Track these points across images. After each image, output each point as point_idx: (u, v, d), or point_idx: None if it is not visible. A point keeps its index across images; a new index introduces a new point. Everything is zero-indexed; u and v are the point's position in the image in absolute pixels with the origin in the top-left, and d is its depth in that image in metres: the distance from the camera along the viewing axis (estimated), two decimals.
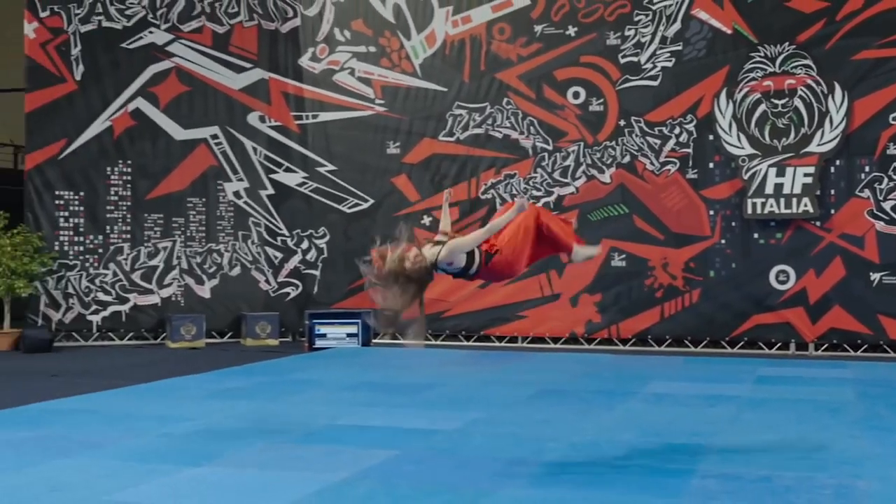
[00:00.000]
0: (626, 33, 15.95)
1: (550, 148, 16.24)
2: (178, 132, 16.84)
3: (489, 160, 16.49)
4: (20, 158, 21.95)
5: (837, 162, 14.94)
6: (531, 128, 16.32)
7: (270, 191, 17.14)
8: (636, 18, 15.90)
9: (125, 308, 16.52)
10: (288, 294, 17.12)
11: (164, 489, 6.20)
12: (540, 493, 6.12)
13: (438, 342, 16.47)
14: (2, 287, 15.57)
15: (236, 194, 17.06)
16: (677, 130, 15.66)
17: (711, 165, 15.54)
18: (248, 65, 17.16)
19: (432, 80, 16.78)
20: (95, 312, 16.40)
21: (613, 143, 15.94)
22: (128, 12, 16.67)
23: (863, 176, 14.84)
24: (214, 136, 16.98)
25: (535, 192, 16.21)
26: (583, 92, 16.13)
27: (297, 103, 17.21)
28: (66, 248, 16.33)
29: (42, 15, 16.33)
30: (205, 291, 16.88)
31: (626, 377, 11.99)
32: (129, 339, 16.63)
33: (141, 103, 16.67)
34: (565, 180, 16.15)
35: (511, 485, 6.35)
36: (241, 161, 17.07)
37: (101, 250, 16.47)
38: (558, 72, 16.24)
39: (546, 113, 16.28)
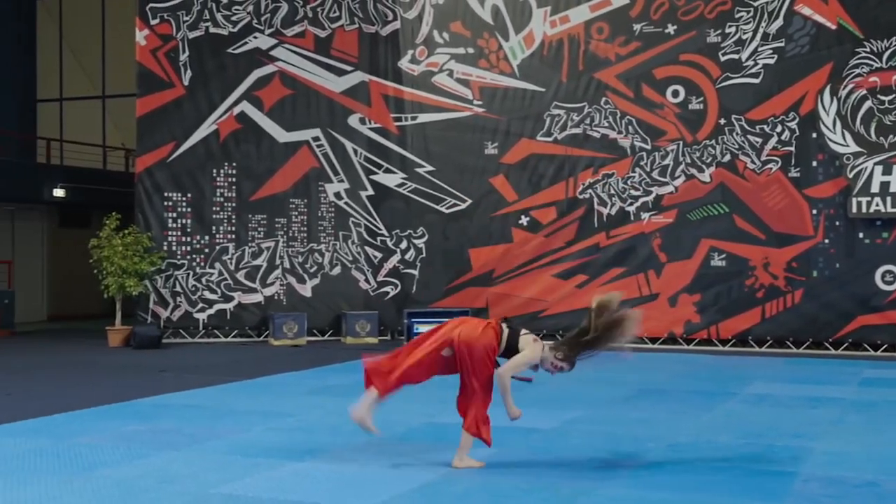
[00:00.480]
0: (727, 30, 15.74)
1: (649, 147, 16.13)
2: (281, 135, 17.21)
3: (587, 160, 16.45)
4: (131, 161, 22.67)
5: None
6: (629, 127, 16.24)
7: (370, 191, 17.38)
8: (737, 15, 15.69)
9: (230, 306, 16.95)
10: (387, 293, 17.34)
11: (268, 483, 6.39)
12: (638, 494, 6.13)
13: None
14: (114, 286, 16.12)
15: (337, 195, 17.35)
16: (779, 128, 15.40)
17: (815, 164, 15.24)
18: (348, 68, 17.43)
19: (530, 81, 16.82)
20: (202, 310, 16.86)
21: (713, 141, 15.76)
22: (233, 18, 17.10)
23: None
24: (316, 139, 17.31)
25: (633, 192, 16.12)
26: (682, 90, 15.98)
27: (396, 105, 17.42)
28: (174, 247, 16.83)
29: (153, 22, 16.86)
30: (306, 290, 17.21)
31: (726, 378, 11.87)
32: (234, 337, 17.06)
33: (246, 107, 17.09)
34: (664, 179, 16.02)
35: (609, 484, 6.37)
36: (341, 162, 17.35)
37: (207, 250, 16.93)
38: (657, 70, 16.12)
39: (645, 112, 16.17)
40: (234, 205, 17.06)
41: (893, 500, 6.05)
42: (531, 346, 7.00)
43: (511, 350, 6.98)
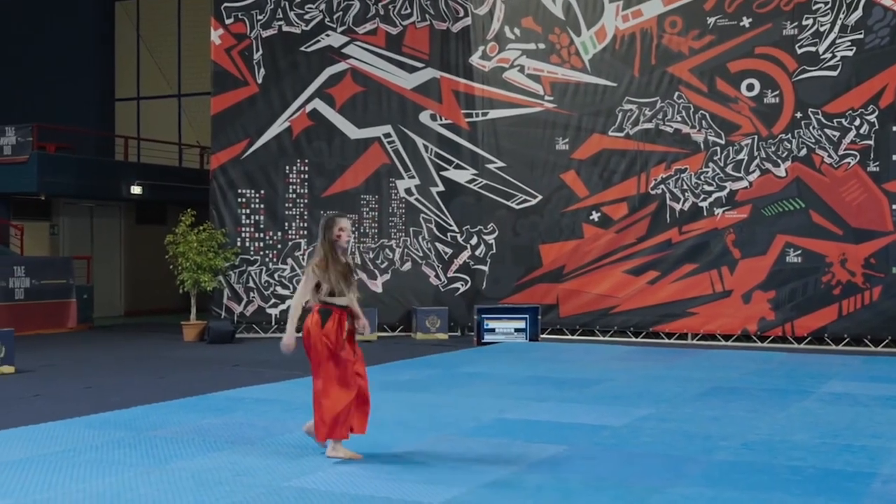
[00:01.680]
0: (804, 23, 15.47)
1: (723, 142, 15.92)
2: (352, 131, 17.34)
3: (659, 155, 16.30)
4: (206, 159, 23.02)
5: None
6: (703, 121, 16.04)
7: (441, 187, 17.42)
8: (814, 7, 15.41)
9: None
10: (457, 289, 17.38)
11: (339, 477, 6.44)
12: (711, 493, 6.04)
13: (606, 338, 16.40)
14: (189, 281, 16.40)
15: (408, 191, 17.43)
16: (857, 122, 15.10)
17: (894, 158, 14.90)
18: (420, 64, 17.49)
19: (602, 76, 16.71)
20: (274, 306, 17.08)
21: (789, 135, 15.50)
22: (306, 16, 17.27)
23: None
24: (387, 135, 17.40)
25: (706, 187, 15.93)
26: (757, 84, 15.75)
27: (467, 101, 17.43)
28: (247, 243, 17.06)
29: (227, 22, 17.10)
30: (377, 286, 17.32)
31: (801, 376, 11.66)
32: None
33: (318, 104, 17.26)
34: (738, 174, 15.80)
35: (682, 483, 6.30)
36: (412, 158, 17.42)
37: (279, 246, 17.14)
38: (732, 64, 15.91)
39: (719, 106, 15.97)
40: (306, 201, 17.24)
41: None
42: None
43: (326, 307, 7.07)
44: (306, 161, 17.26)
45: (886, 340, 14.98)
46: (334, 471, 6.60)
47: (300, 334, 7.03)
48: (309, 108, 17.25)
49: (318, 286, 7.00)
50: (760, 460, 6.97)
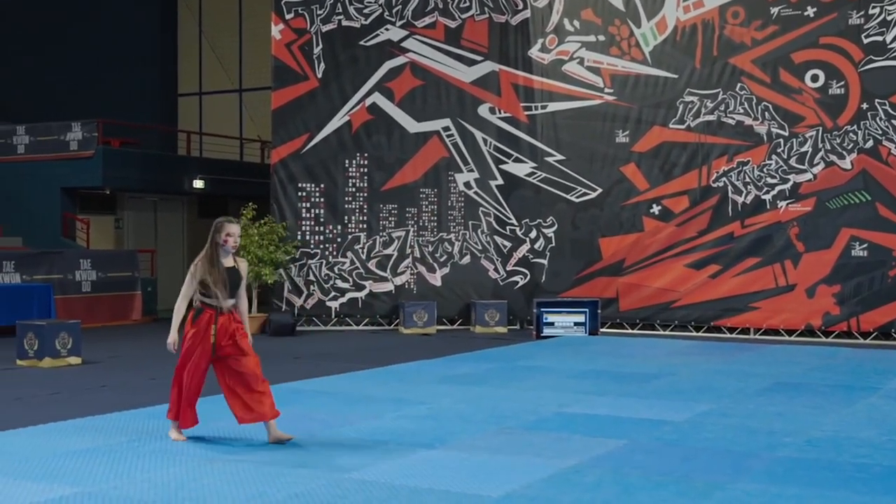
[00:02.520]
0: (871, 11, 15.19)
1: (786, 134, 15.69)
2: (411, 125, 17.38)
3: (721, 147, 16.11)
4: (266, 153, 23.24)
5: None
6: (766, 113, 15.82)
7: (500, 181, 17.40)
8: None
9: (361, 295, 17.22)
10: (516, 282, 17.34)
11: (399, 469, 6.47)
12: (775, 489, 5.97)
13: (667, 332, 16.27)
14: (250, 274, 16.57)
15: (467, 185, 17.43)
16: None
17: None
18: (478, 57, 17.47)
19: (662, 67, 16.55)
20: (334, 299, 17.19)
21: (855, 127, 15.23)
22: (365, 11, 17.34)
23: None
24: (446, 129, 17.41)
25: (769, 180, 15.71)
26: (822, 75, 15.49)
27: (526, 94, 17.37)
28: (307, 237, 17.20)
29: (287, 17, 17.24)
30: (436, 279, 17.35)
31: (867, 372, 11.47)
32: (365, 325, 17.34)
33: (377, 98, 17.32)
34: (802, 167, 15.56)
35: (744, 479, 6.24)
36: (471, 152, 17.42)
37: (339, 239, 17.24)
38: (796, 54, 15.66)
39: (782, 97, 15.73)
40: (365, 195, 17.32)
41: None
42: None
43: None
44: (366, 155, 17.34)
45: None
46: (394, 463, 6.63)
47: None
48: (368, 102, 17.32)
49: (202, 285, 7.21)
50: (825, 457, 6.87)
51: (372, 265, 17.26)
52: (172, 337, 7.27)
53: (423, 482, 6.11)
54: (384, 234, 17.30)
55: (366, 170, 17.34)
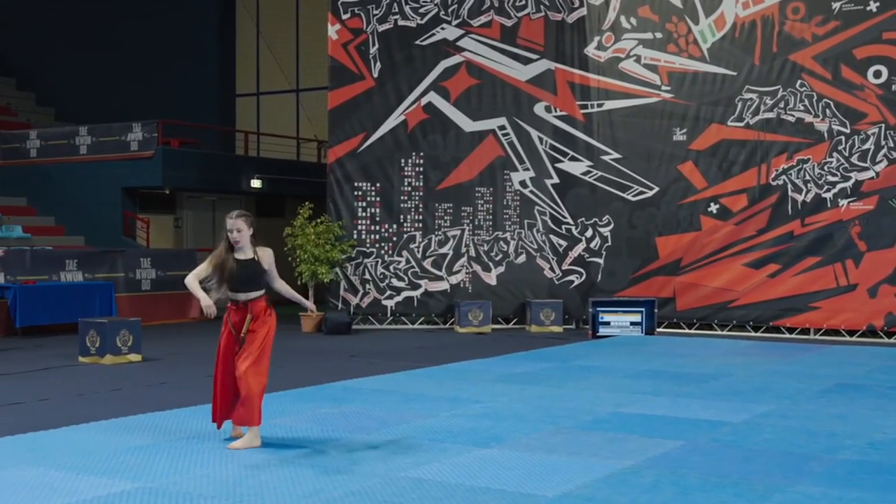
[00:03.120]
0: None
1: (848, 131, 15.43)
2: (467, 124, 17.38)
3: (781, 145, 15.89)
4: (323, 152, 23.39)
5: None
6: (827, 110, 15.57)
7: (555, 179, 17.33)
8: None
9: (417, 294, 17.26)
10: (572, 282, 17.26)
11: (455, 468, 6.48)
12: (836, 493, 5.88)
13: (725, 332, 16.08)
14: (306, 273, 16.70)
15: (522, 183, 17.38)
16: None
17: None
18: (534, 56, 17.41)
19: (721, 65, 16.36)
20: (390, 297, 17.25)
21: None
22: (421, 10, 17.37)
23: None
24: (502, 127, 17.39)
25: (830, 178, 15.47)
26: (885, 70, 15.20)
27: (582, 92, 17.28)
28: (363, 236, 17.27)
29: (344, 17, 17.33)
30: (491, 278, 17.33)
31: None
32: (420, 324, 17.38)
33: (433, 97, 17.34)
34: (864, 164, 15.30)
35: (804, 482, 6.15)
36: (527, 151, 17.37)
37: (395, 238, 17.30)
38: (857, 50, 15.39)
39: (843, 94, 15.47)
40: (421, 194, 17.35)
41: None
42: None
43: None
44: (421, 154, 17.37)
45: None
46: (450, 462, 6.64)
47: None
48: (424, 101, 17.35)
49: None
50: (888, 461, 6.75)
51: (427, 264, 17.29)
52: (206, 301, 7.09)
53: (479, 481, 6.11)
54: (439, 233, 17.32)
55: (421, 169, 17.37)
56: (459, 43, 17.40)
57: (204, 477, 6.21)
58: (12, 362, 12.39)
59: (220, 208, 23.29)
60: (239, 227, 7.20)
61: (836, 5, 15.50)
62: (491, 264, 17.36)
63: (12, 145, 21.80)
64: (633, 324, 15.69)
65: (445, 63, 17.38)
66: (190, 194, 22.33)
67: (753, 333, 15.94)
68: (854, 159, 15.36)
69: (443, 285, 17.28)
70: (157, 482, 6.08)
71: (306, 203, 17.26)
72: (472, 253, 17.33)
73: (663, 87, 16.74)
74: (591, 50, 17.26)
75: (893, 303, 15.00)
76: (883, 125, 15.18)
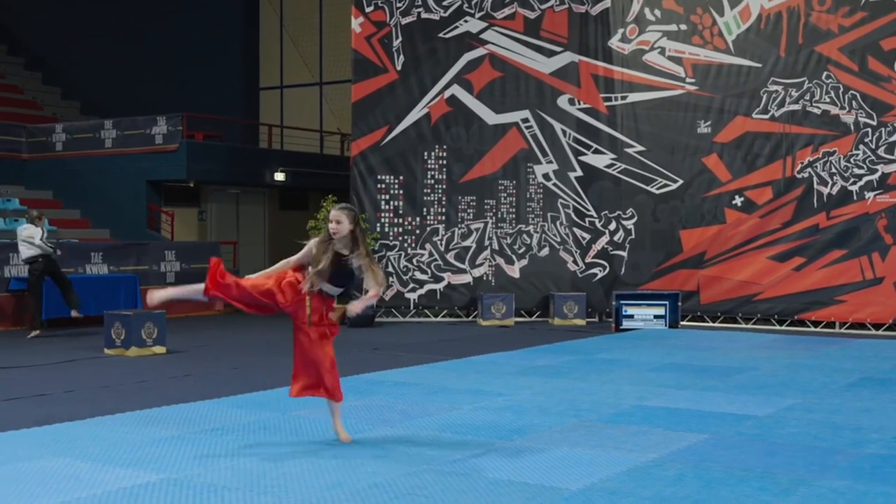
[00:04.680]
0: None
1: (874, 123, 15.30)
2: (490, 117, 17.35)
3: (806, 137, 15.78)
4: (346, 145, 23.42)
5: None
6: (853, 102, 15.45)
7: (579, 172, 17.28)
8: None
9: (440, 287, 17.27)
10: (595, 275, 17.22)
11: (478, 460, 6.47)
12: (861, 487, 5.83)
13: (750, 325, 16.00)
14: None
15: (545, 176, 17.35)
16: None
17: None
18: (558, 48, 17.36)
19: (746, 56, 16.26)
20: (413, 290, 17.27)
21: None
22: (444, 3, 17.35)
23: None
24: (525, 120, 17.35)
25: (856, 170, 15.35)
26: None
27: (606, 85, 17.22)
28: (386, 229, 17.29)
29: (367, 10, 17.33)
30: (514, 271, 17.32)
31: None
32: (443, 317, 17.39)
33: (456, 90, 17.33)
34: (891, 157, 15.17)
35: (829, 475, 6.11)
36: (550, 143, 17.33)
37: (418, 231, 17.31)
38: (885, 41, 15.26)
39: (870, 86, 15.35)
40: (444, 187, 17.35)
41: None
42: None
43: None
44: (444, 147, 17.37)
45: None
46: (472, 454, 6.62)
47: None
48: (447, 94, 17.34)
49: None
50: None
51: (450, 257, 17.29)
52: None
53: (502, 474, 6.10)
54: (463, 225, 17.32)
55: (444, 162, 17.37)
56: (483, 36, 17.37)
57: (228, 468, 6.24)
58: (38, 354, 12.50)
59: (244, 201, 23.39)
60: (339, 219, 6.99)
61: None
62: (514, 257, 17.34)
63: (38, 139, 21.98)
64: (656, 317, 15.63)
65: (469, 56, 17.37)
66: (214, 187, 22.44)
67: (778, 327, 15.85)
68: (881, 151, 15.23)
69: (466, 278, 17.28)
70: (182, 473, 6.11)
71: (329, 196, 17.29)
72: (496, 246, 17.32)
73: (688, 80, 16.66)
74: (614, 42, 17.19)
75: None
76: None
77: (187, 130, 20.49)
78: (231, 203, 23.14)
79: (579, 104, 17.31)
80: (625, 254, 17.09)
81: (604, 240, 17.20)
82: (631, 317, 15.67)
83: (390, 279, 17.24)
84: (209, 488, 5.76)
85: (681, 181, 16.65)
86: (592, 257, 17.25)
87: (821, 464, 6.41)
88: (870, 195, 15.29)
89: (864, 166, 15.32)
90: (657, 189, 16.83)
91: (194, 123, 21.47)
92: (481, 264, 17.31)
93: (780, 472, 6.15)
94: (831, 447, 6.91)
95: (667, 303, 15.67)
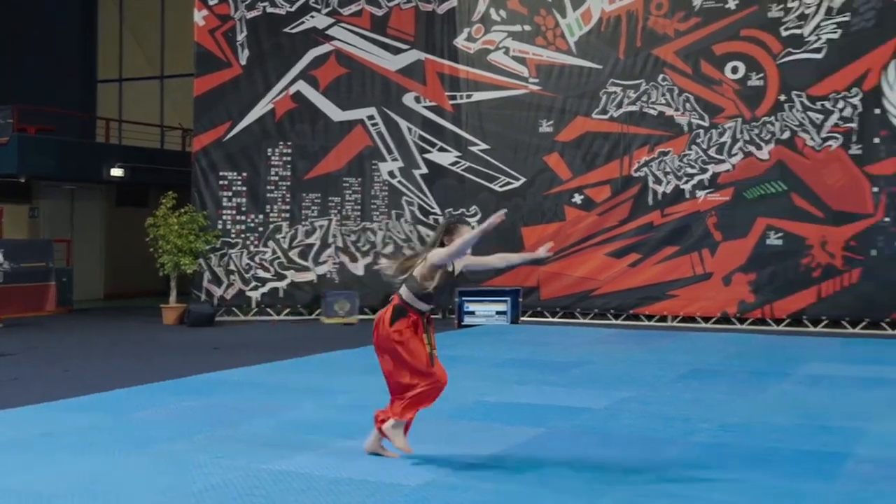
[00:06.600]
0: (790, 5, 15.48)
1: (706, 124, 15.92)
2: (336, 113, 17.26)
3: (643, 137, 16.30)
4: (188, 141, 22.88)
5: None
6: (687, 104, 16.04)
7: (424, 170, 17.39)
8: None
9: (283, 284, 17.08)
10: None
11: (318, 460, 6.43)
12: (688, 473, 6.09)
13: (587, 320, 16.42)
14: (169, 264, 16.33)
15: (391, 174, 17.38)
16: (841, 104, 15.12)
17: (877, 140, 14.95)
18: (404, 46, 17.41)
19: (587, 58, 16.68)
20: (255, 289, 17.02)
21: (772, 118, 15.51)
22: None
23: None
24: (371, 117, 17.34)
25: (689, 170, 15.95)
26: (742, 66, 15.74)
27: (451, 83, 17.38)
28: (228, 226, 16.98)
29: (211, 3, 16.97)
30: (358, 269, 17.28)
31: (780, 358, 11.73)
32: (286, 315, 17.20)
33: (301, 86, 17.16)
34: (721, 157, 15.81)
35: (661, 464, 6.33)
36: (395, 141, 17.37)
37: (261, 229, 17.07)
38: (717, 46, 15.90)
39: (703, 88, 15.97)
40: (288, 184, 17.17)
41: None
42: (444, 248, 6.55)
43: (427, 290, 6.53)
44: (289, 143, 17.18)
45: (864, 323, 15.06)
46: (313, 454, 6.60)
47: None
48: (292, 90, 17.16)
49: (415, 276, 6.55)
50: (738, 442, 7.00)
51: (294, 255, 17.12)
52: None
53: (342, 472, 6.08)
54: (307, 223, 17.18)
55: (289, 158, 17.18)
56: (329, 32, 17.26)
57: (59, 475, 6.00)
58: None
59: (79, 197, 22.56)
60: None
61: (697, 2, 15.97)
62: (358, 255, 17.30)
63: None
64: (498, 313, 15.89)
65: (315, 52, 17.22)
66: (47, 183, 21.53)
67: (614, 321, 16.33)
68: (711, 152, 15.87)
69: (309, 276, 17.14)
70: (11, 480, 5.84)
71: (169, 192, 16.87)
72: (340, 243, 17.25)
73: (531, 80, 16.97)
74: (460, 41, 17.37)
75: (746, 290, 15.57)
76: (739, 119, 15.71)
77: (18, 123, 19.61)
78: (66, 200, 22.28)
79: (425, 102, 17.41)
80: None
81: None
82: (473, 313, 15.86)
83: (231, 277, 16.94)
84: (37, 497, 5.52)
85: (523, 179, 16.96)
86: None
87: (653, 453, 6.63)
88: (701, 194, 15.91)
89: (696, 166, 15.93)
90: (500, 187, 17.09)
91: (26, 116, 20.56)
92: (325, 262, 17.20)
93: (614, 463, 6.33)
94: (663, 437, 7.16)
95: (508, 299, 15.94)
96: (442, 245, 6.55)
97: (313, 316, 17.10)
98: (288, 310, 17.25)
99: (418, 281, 6.47)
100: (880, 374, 10.43)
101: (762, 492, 5.69)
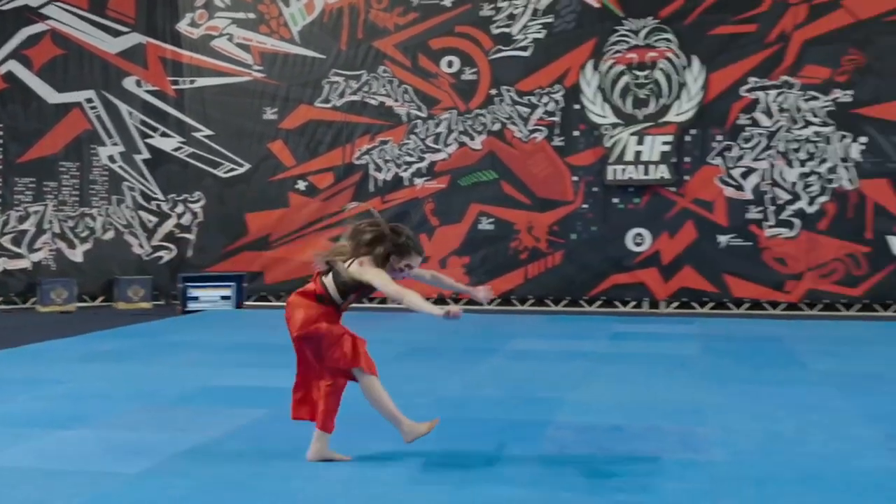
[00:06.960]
0: (500, 4, 16.40)
1: (424, 115, 16.63)
2: (51, 95, 16.62)
3: (364, 126, 16.80)
4: None
5: (693, 131, 15.76)
6: (406, 95, 16.67)
7: (146, 155, 17.11)
8: None
9: None
10: (161, 258, 17.17)
11: (32, 452, 6.35)
12: (405, 447, 6.45)
13: None
14: None
15: (111, 158, 16.98)
16: (545, 100, 16.23)
17: (576, 133, 16.17)
18: (125, 29, 17.02)
19: (310, 48, 16.96)
20: None
21: (484, 111, 16.43)
22: None
23: (714, 144, 15.71)
24: (89, 100, 16.84)
25: (407, 158, 16.61)
26: (457, 61, 16.54)
27: (174, 68, 17.17)
28: None
29: None
30: (77, 255, 16.78)
31: (491, 335, 12.52)
32: None
33: (13, 66, 16.38)
34: (437, 147, 16.58)
35: (376, 438, 6.70)
36: (116, 125, 16.97)
37: None
38: (433, 41, 16.61)
39: (421, 81, 16.65)
40: (0, 167, 16.38)
41: (636, 441, 6.67)
42: (371, 272, 6.34)
43: (349, 288, 6.50)
44: (1, 126, 16.38)
45: (566, 301, 16.32)
46: (26, 446, 6.50)
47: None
48: (4, 69, 16.33)
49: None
50: (451, 414, 7.38)
51: (6, 241, 16.38)
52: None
53: (58, 464, 6.05)
54: (20, 208, 16.46)
55: (1, 141, 16.39)
56: (43, 10, 16.57)
57: None
58: None
59: None
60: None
61: None
62: (77, 241, 16.79)
63: None
64: (223, 298, 15.94)
65: (28, 31, 16.47)
66: None
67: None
68: (429, 142, 16.60)
69: (23, 263, 16.46)
70: None
71: None
72: (56, 229, 16.67)
73: (255, 67, 17.06)
74: (183, 26, 17.18)
75: (461, 272, 16.34)
76: (455, 111, 16.52)
77: None
78: None
79: (146, 86, 17.11)
80: (192, 237, 17.20)
81: (171, 223, 17.18)
82: (196, 298, 15.84)
83: None
84: None
85: (248, 166, 17.05)
86: (159, 240, 17.17)
87: (370, 430, 6.97)
88: (419, 181, 16.62)
89: (415, 155, 16.62)
90: (224, 173, 17.11)
91: None
92: (41, 248, 16.56)
93: (333, 439, 6.62)
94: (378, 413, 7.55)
95: (233, 284, 16.03)
96: (387, 257, 6.36)
97: (28, 305, 16.45)
98: (1, 299, 16.49)
99: (345, 279, 6.38)
100: (579, 347, 11.38)
101: (469, 460, 6.22)
